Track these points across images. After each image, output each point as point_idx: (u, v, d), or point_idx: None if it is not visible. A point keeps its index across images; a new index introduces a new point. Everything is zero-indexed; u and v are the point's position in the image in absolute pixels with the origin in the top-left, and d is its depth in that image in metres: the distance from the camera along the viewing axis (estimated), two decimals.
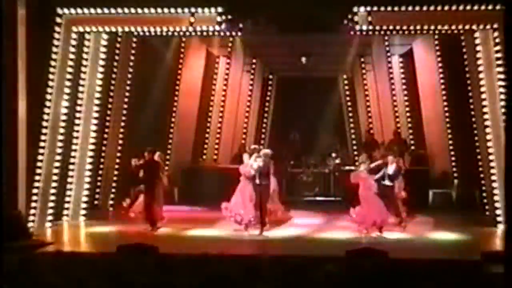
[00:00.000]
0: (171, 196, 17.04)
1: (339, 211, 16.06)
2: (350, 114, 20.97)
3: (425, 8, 13.74)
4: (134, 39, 16.59)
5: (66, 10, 14.23)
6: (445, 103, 18.25)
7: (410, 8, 13.75)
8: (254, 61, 20.17)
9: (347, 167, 18.46)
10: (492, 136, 14.25)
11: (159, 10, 14.16)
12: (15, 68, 13.16)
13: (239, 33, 15.44)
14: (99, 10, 14.22)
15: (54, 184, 14.32)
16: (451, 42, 16.50)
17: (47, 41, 14.06)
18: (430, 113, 18.75)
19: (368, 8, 13.97)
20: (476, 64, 14.64)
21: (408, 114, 19.45)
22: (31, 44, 13.43)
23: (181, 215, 15.58)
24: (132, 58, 16.75)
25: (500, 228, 13.40)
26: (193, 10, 14.17)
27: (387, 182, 13.73)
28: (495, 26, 13.79)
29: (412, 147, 18.84)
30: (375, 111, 19.82)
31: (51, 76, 14.16)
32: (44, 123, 14.11)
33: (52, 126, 14.22)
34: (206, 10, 14.15)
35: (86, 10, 14.24)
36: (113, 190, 16.83)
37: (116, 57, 16.25)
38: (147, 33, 15.17)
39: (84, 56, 14.93)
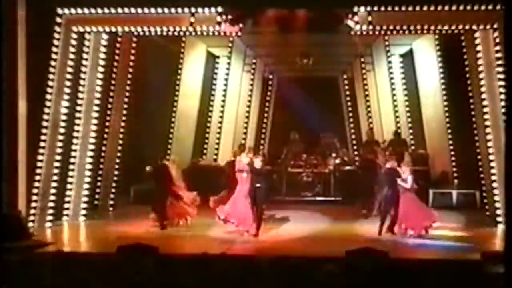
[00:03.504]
0: None
1: (339, 211, 16.08)
2: (350, 114, 20.96)
3: (425, 8, 13.73)
4: (134, 39, 16.58)
5: (66, 10, 14.22)
6: (445, 103, 18.25)
7: (410, 8, 13.74)
8: (254, 61, 20.17)
9: (347, 167, 18.47)
10: (492, 136, 14.24)
11: (159, 10, 14.16)
12: (15, 68, 13.16)
13: (239, 33, 15.44)
14: (99, 10, 14.21)
15: (54, 184, 14.31)
16: (451, 42, 16.49)
17: (47, 41, 14.06)
18: (430, 113, 18.76)
19: (368, 8, 13.96)
20: (476, 64, 14.63)
21: (408, 114, 19.45)
22: (31, 44, 13.43)
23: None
24: (132, 58, 16.74)
25: (500, 228, 13.39)
26: (193, 10, 14.17)
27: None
28: (495, 26, 13.79)
29: (412, 147, 18.84)
30: (375, 111, 19.82)
31: (51, 76, 14.15)
32: (44, 123, 14.10)
33: (52, 126, 14.21)
34: (206, 10, 14.15)
35: (86, 10, 14.24)
36: (113, 190, 16.83)
37: (116, 57, 16.23)
38: (147, 33, 15.16)
39: (84, 56, 14.92)
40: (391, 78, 19.43)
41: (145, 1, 14.10)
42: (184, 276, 7.54)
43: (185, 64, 19.28)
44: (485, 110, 14.50)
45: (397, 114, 19.28)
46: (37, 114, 13.93)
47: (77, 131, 14.97)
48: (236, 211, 13.18)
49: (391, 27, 14.59)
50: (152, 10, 14.16)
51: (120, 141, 16.78)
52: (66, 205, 14.84)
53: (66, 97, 14.45)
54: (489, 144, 14.35)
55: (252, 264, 8.10)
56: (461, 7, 13.53)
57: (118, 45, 16.20)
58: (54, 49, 14.16)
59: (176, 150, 18.85)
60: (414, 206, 13.08)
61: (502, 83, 13.58)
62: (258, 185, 13.07)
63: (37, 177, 13.98)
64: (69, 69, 14.43)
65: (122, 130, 16.76)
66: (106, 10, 14.18)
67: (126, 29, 14.99)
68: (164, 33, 15.03)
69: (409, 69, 19.45)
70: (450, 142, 18.19)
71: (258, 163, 13.26)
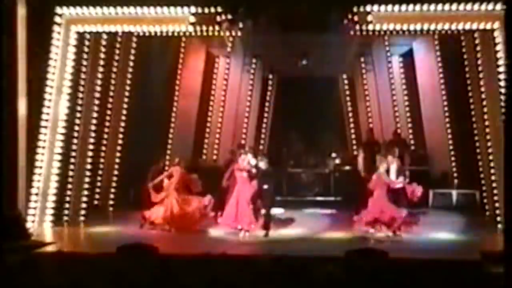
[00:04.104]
0: None
1: (339, 211, 16.07)
2: (350, 114, 20.97)
3: (425, 8, 13.74)
4: (134, 39, 16.59)
5: (66, 10, 14.23)
6: (445, 103, 18.26)
7: (410, 8, 13.75)
8: (254, 61, 20.17)
9: (347, 167, 18.47)
10: (492, 136, 14.25)
11: (159, 10, 14.17)
12: (15, 68, 13.15)
13: (239, 33, 15.43)
14: (99, 10, 14.22)
15: (54, 184, 14.31)
16: (451, 42, 16.49)
17: (47, 41, 14.06)
18: (430, 113, 18.76)
19: (368, 8, 13.97)
20: (476, 64, 14.63)
21: (408, 114, 19.46)
22: (31, 44, 13.43)
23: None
24: (132, 58, 16.74)
25: (500, 228, 13.39)
26: (193, 10, 14.18)
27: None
28: (495, 26, 13.80)
29: (412, 147, 18.84)
30: (375, 111, 19.81)
31: (51, 76, 14.16)
32: (44, 123, 14.11)
33: (52, 126, 14.22)
34: (206, 10, 14.16)
35: (86, 10, 14.25)
36: (113, 190, 16.83)
37: (116, 57, 16.24)
38: (147, 33, 15.16)
39: (84, 56, 14.92)
40: (391, 78, 19.43)
41: (145, 1, 14.11)
42: (184, 276, 7.54)
43: (185, 64, 19.28)
44: (485, 110, 14.50)
45: (397, 114, 19.29)
46: (37, 114, 13.93)
47: (77, 131, 14.97)
48: (236, 211, 13.16)
49: (391, 27, 14.59)
50: (152, 10, 14.17)
51: (120, 141, 16.79)
52: (66, 205, 14.83)
53: (66, 97, 14.45)
54: (489, 144, 14.35)
55: (252, 264, 8.11)
56: (461, 7, 13.54)
57: (118, 45, 16.21)
58: (54, 49, 14.17)
59: (176, 150, 18.87)
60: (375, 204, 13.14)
61: (502, 83, 13.59)
62: (265, 186, 13.05)
63: (37, 177, 13.98)
64: (69, 69, 14.43)
65: (122, 130, 16.77)
66: (106, 10, 14.19)
67: (126, 29, 14.99)
68: (164, 33, 15.03)
69: (409, 69, 19.46)
70: (450, 142, 18.20)
71: (264, 165, 13.24)
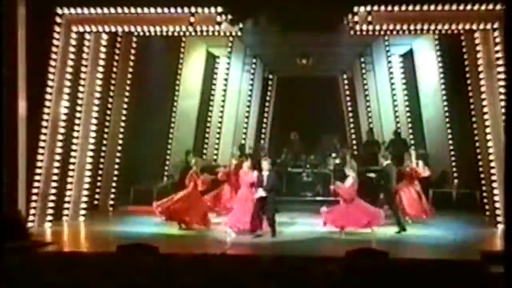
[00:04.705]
0: None
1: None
2: (350, 114, 20.99)
3: (425, 8, 13.74)
4: (134, 39, 16.59)
5: (66, 10, 14.23)
6: (445, 103, 18.26)
7: (410, 8, 13.75)
8: (254, 61, 20.18)
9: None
10: (492, 136, 14.25)
11: (159, 10, 14.17)
12: (15, 68, 13.15)
13: (239, 33, 15.44)
14: (99, 10, 14.22)
15: (54, 184, 14.31)
16: (451, 42, 16.49)
17: (47, 41, 14.06)
18: (430, 113, 18.77)
19: (368, 8, 13.97)
20: (476, 64, 14.63)
21: (408, 114, 19.46)
22: (31, 44, 13.43)
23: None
24: (132, 58, 16.75)
25: (500, 228, 13.39)
26: (193, 10, 14.19)
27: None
28: (495, 26, 13.80)
29: (412, 147, 18.84)
30: (375, 111, 19.83)
31: (51, 76, 14.15)
32: (44, 123, 14.10)
33: (52, 126, 14.22)
34: (206, 10, 14.16)
35: (86, 10, 14.24)
36: (113, 190, 16.83)
37: (116, 57, 16.24)
38: (147, 33, 15.17)
39: (84, 56, 14.91)
40: (391, 78, 19.44)
41: (145, 1, 14.12)
42: (184, 276, 7.55)
43: (185, 64, 19.29)
44: (485, 110, 14.50)
45: (397, 114, 19.29)
46: (37, 114, 13.93)
47: (77, 131, 14.97)
48: (246, 213, 13.18)
49: (391, 27, 14.59)
50: (152, 10, 14.17)
51: (120, 141, 16.79)
52: (66, 205, 14.84)
53: (66, 97, 14.45)
54: (489, 144, 14.35)
55: (252, 264, 8.12)
56: (461, 7, 13.55)
57: (118, 45, 16.21)
58: (54, 49, 14.16)
59: (176, 150, 18.89)
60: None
61: (502, 83, 13.59)
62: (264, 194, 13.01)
63: (37, 177, 13.97)
64: (69, 69, 14.43)
65: (122, 130, 16.77)
66: (106, 10, 14.19)
67: (126, 29, 14.98)
68: (164, 33, 15.03)
69: (409, 69, 19.47)
70: (450, 142, 18.20)
71: (266, 165, 13.20)
